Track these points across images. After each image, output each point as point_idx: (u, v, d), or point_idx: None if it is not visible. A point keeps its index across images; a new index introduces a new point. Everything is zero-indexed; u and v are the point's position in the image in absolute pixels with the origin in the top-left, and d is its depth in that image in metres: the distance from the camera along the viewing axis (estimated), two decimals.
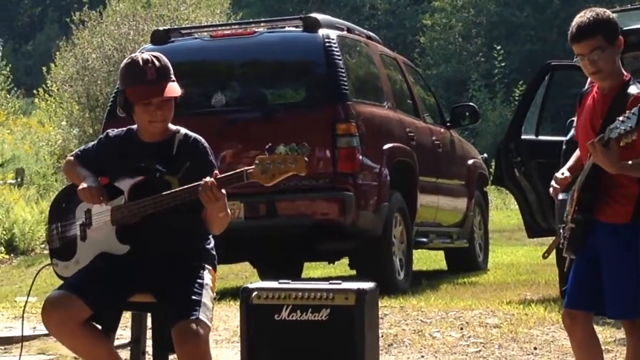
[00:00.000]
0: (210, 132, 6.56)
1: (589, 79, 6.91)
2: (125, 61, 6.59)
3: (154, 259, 6.30)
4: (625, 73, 6.64)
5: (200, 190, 6.07)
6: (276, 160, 6.11)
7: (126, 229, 6.38)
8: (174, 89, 6.38)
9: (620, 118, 6.08)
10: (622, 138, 6.06)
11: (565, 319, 7.00)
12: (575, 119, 7.06)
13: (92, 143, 6.77)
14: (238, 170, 6.20)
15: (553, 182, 6.81)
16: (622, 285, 6.62)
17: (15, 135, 41.21)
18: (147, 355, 6.57)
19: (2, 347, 10.28)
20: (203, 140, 6.48)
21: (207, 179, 6.13)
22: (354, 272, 14.67)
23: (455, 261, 18.22)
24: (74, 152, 6.86)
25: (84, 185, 6.40)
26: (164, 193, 6.25)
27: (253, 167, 6.13)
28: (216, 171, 6.28)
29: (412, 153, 15.07)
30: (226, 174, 6.27)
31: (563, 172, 6.80)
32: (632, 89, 6.50)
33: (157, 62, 6.39)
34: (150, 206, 6.28)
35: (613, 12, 7.20)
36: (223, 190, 6.14)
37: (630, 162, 6.26)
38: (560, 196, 6.94)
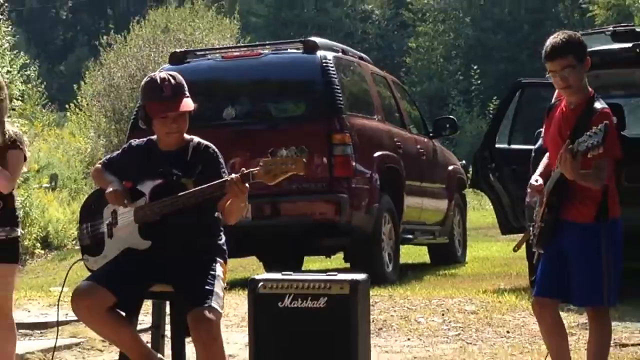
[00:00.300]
0: (222, 142, 6.53)
1: (555, 94, 6.95)
2: (145, 79, 6.59)
3: (172, 253, 6.30)
4: (590, 89, 6.76)
5: (228, 185, 6.09)
6: (278, 162, 6.12)
7: (148, 226, 6.38)
8: (187, 104, 6.38)
9: (588, 133, 6.19)
10: (590, 151, 6.18)
11: (535, 306, 7.06)
12: (542, 130, 7.11)
13: (117, 152, 6.78)
14: (245, 171, 6.20)
15: (529, 189, 6.93)
16: (587, 277, 6.71)
17: (50, 144, 41.15)
18: (166, 339, 6.56)
19: (39, 331, 10.27)
20: (213, 146, 6.48)
21: (233, 175, 6.15)
22: (348, 265, 14.68)
23: (437, 255, 18.25)
24: (101, 160, 6.87)
25: (110, 189, 6.42)
26: (181, 194, 6.26)
27: (258, 168, 6.14)
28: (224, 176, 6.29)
29: (399, 160, 15.08)
30: (232, 175, 6.26)
31: (537, 179, 6.90)
32: (597, 105, 6.62)
33: (172, 81, 6.40)
34: (169, 205, 6.29)
35: (581, 34, 7.23)
36: (247, 185, 6.15)
37: (583, 171, 6.38)
38: (528, 198, 7.01)
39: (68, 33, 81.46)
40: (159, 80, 6.44)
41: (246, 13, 57.66)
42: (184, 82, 6.49)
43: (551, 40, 6.73)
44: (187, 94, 6.45)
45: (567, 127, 6.68)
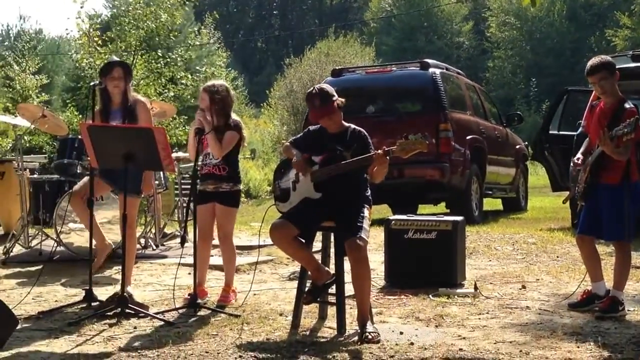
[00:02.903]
0: (366, 128, 6.51)
1: (591, 97, 6.94)
2: (307, 92, 6.61)
3: (336, 201, 6.29)
4: (620, 94, 6.79)
5: (375, 157, 6.10)
6: (410, 143, 6.10)
7: (319, 183, 6.38)
8: (329, 110, 6.38)
9: (624, 124, 6.29)
10: (625, 136, 6.27)
11: (578, 240, 7.08)
12: (583, 121, 7.08)
13: (300, 135, 6.77)
14: (386, 149, 6.18)
15: (572, 164, 7.01)
16: (615, 221, 6.71)
17: (250, 129, 41.61)
18: (330, 258, 6.56)
19: (246, 252, 10.37)
20: (364, 131, 6.45)
21: (379, 150, 6.17)
22: (449, 210, 14.58)
23: (508, 205, 17.99)
24: (289, 140, 6.88)
25: (295, 159, 6.45)
26: (342, 162, 6.25)
27: (395, 146, 6.12)
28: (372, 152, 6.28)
29: (483, 141, 14.93)
30: (378, 150, 6.25)
31: (578, 157, 6.93)
32: (627, 105, 6.64)
33: (320, 93, 6.40)
34: (334, 170, 6.28)
35: (610, 57, 7.17)
36: (387, 158, 6.14)
37: (617, 149, 6.40)
38: (571, 168, 7.03)
39: (263, 56, 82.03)
40: (311, 95, 6.46)
41: (380, 44, 57.43)
42: (329, 92, 6.44)
43: (590, 61, 6.82)
44: (333, 98, 6.40)
45: (604, 119, 6.69)
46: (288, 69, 43.47)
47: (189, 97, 25.71)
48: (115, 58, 8.40)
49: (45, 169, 12.94)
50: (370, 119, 13.21)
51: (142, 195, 8.02)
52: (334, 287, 6.36)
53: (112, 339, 6.14)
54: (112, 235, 9.07)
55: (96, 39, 22.48)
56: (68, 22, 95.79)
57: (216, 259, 8.47)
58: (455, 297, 7.51)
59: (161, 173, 10.79)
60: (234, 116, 7.57)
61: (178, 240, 10.48)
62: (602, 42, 52.25)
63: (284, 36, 79.13)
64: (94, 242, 7.74)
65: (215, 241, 7.82)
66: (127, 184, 7.06)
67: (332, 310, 6.49)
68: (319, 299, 6.54)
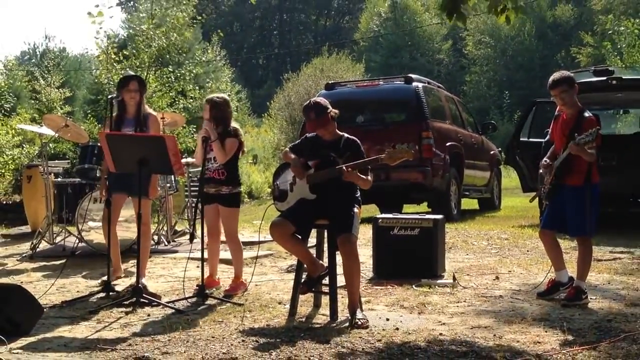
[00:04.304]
0: (357, 136, 6.51)
1: (557, 108, 6.92)
2: (303, 106, 6.60)
3: (329, 201, 6.28)
4: (580, 105, 6.80)
5: (343, 172, 6.11)
6: (397, 152, 6.09)
7: (314, 185, 6.38)
8: (323, 122, 6.36)
9: (586, 133, 6.35)
10: (587, 144, 6.37)
11: (541, 234, 7.12)
12: (549, 129, 7.08)
13: (298, 141, 6.76)
14: (375, 157, 6.19)
15: (540, 166, 6.97)
16: (577, 218, 6.70)
17: (253, 137, 41.62)
18: (324, 252, 6.56)
19: (248, 247, 10.34)
20: (357, 139, 6.44)
21: (343, 166, 6.15)
22: (430, 209, 14.56)
23: (484, 205, 18.00)
24: (288, 146, 6.87)
25: (293, 164, 6.45)
26: (334, 167, 6.23)
27: (383, 155, 6.12)
28: (364, 159, 6.26)
29: (461, 147, 14.91)
30: (368, 158, 6.25)
31: (546, 161, 6.92)
32: (586, 114, 6.69)
33: (315, 107, 6.39)
34: (327, 174, 6.27)
35: (571, 72, 7.20)
36: (356, 172, 6.14)
37: (588, 151, 6.44)
38: (540, 171, 6.98)
39: (264, 72, 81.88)
40: (307, 109, 6.44)
41: (368, 60, 57.37)
42: (323, 105, 6.42)
43: (552, 76, 6.83)
44: (327, 110, 6.39)
45: (567, 128, 6.74)
46: (286, 83, 43.48)
47: (197, 108, 25.72)
48: (131, 72, 8.43)
49: (68, 173, 12.92)
50: (359, 127, 13.16)
51: (151, 198, 8.03)
52: (327, 278, 6.36)
53: (128, 326, 6.14)
54: (129, 233, 9.07)
55: (113, 56, 22.44)
56: (89, 41, 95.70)
57: (223, 253, 8.47)
58: (436, 287, 7.51)
59: (172, 177, 10.78)
60: (233, 124, 7.58)
61: (187, 237, 10.46)
62: (568, 58, 52.32)
63: (283, 54, 79.02)
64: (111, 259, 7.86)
65: (223, 237, 7.83)
66: (140, 187, 7.08)
67: (325, 299, 6.50)
68: (313, 289, 6.53)
